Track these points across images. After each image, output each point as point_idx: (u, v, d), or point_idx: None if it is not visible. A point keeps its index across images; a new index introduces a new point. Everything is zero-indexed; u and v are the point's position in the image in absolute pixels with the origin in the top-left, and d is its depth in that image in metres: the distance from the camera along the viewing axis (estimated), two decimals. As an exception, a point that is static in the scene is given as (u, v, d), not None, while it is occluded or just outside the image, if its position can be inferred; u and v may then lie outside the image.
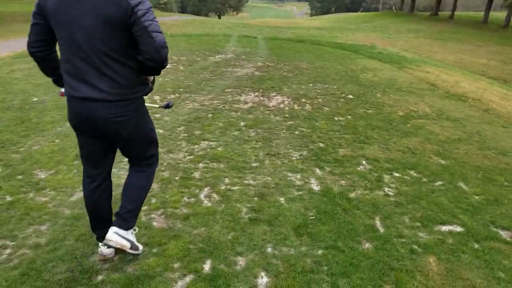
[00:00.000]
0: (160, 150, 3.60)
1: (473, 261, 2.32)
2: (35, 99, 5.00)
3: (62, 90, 1.98)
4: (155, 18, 1.77)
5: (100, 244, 2.14)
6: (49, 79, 2.04)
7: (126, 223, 2.07)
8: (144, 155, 2.14)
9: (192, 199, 2.84)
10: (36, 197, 2.72)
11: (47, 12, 1.73)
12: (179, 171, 3.26)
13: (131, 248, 2.08)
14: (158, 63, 1.79)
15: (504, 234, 2.64)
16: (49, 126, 4.07)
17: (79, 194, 2.76)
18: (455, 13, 41.12)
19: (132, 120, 1.93)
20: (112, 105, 1.83)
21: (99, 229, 2.14)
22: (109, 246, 2.07)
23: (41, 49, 1.86)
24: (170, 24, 23.66)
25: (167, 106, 2.63)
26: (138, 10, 1.71)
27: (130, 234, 2.10)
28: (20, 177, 2.99)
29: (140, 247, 2.22)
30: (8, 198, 2.69)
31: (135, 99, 1.92)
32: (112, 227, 2.04)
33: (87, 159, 2.07)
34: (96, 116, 1.84)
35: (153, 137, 2.15)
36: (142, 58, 1.78)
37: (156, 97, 5.38)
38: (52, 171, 3.11)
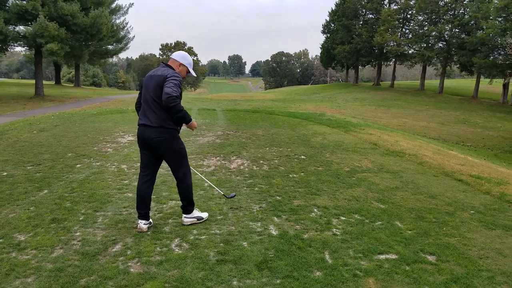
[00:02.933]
0: (131, 210, 3.97)
1: (404, 279, 2.80)
2: (5, 173, 5.21)
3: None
4: (173, 82, 3.28)
5: (139, 220, 3.50)
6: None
7: (186, 211, 3.64)
8: (177, 164, 3.59)
9: (164, 249, 3.16)
10: (19, 255, 2.94)
11: (142, 85, 3.53)
12: (151, 227, 3.59)
13: (198, 220, 3.68)
14: (164, 105, 3.24)
15: (430, 258, 3.16)
16: (23, 197, 4.30)
17: (58, 251, 3.02)
18: (395, 82, 45.77)
19: (167, 141, 3.44)
20: (154, 129, 3.40)
21: (141, 209, 3.50)
22: (183, 225, 3.61)
23: (138, 105, 3.64)
24: (129, 101, 24.47)
25: (232, 196, 4.23)
26: (167, 78, 3.32)
27: (195, 213, 3.69)
28: (1, 240, 3.20)
29: (204, 215, 3.76)
30: (-10, 259, 2.88)
31: (169, 128, 3.43)
32: (182, 215, 3.66)
33: (142, 163, 3.60)
34: (145, 136, 3.44)
35: (183, 153, 3.64)
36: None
37: (123, 166, 5.75)
38: (31, 234, 3.34)
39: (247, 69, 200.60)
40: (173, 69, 3.51)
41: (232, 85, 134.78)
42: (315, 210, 4.17)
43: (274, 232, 3.55)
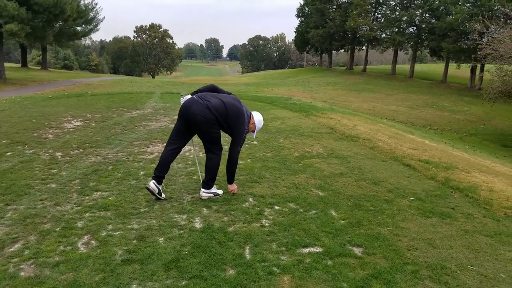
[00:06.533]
0: (47, 203, 3.63)
1: (322, 275, 2.61)
2: None
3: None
4: (242, 141, 3.93)
5: (152, 181, 3.74)
6: None
7: (207, 185, 3.89)
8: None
9: (68, 247, 2.86)
10: None
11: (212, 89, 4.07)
12: (62, 222, 3.27)
13: (214, 196, 3.91)
14: (231, 155, 3.93)
15: (357, 250, 3.00)
16: None
17: None
18: (368, 66, 46.07)
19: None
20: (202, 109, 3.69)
21: (158, 171, 3.79)
22: (201, 198, 3.87)
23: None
24: (96, 85, 23.57)
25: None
26: (240, 131, 3.85)
27: (213, 189, 3.94)
28: None
29: (219, 192, 3.99)
30: None
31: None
32: (201, 189, 3.91)
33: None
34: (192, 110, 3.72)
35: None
36: None
37: (58, 154, 5.35)
38: None
39: (225, 52, 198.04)
40: (249, 120, 3.89)
41: (209, 69, 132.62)
42: (250, 199, 3.95)
43: (197, 225, 3.30)
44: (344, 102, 24.37)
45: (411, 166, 5.49)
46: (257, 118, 4.03)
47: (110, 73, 66.74)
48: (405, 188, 4.51)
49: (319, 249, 2.97)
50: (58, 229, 3.15)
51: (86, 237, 3.04)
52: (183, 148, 4.14)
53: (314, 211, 3.70)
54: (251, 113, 3.99)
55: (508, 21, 21.80)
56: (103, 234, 3.07)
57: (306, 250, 2.96)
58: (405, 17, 36.46)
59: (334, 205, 3.87)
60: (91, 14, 31.67)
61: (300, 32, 48.73)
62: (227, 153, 3.95)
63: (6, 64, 41.90)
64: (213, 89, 3.99)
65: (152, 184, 3.74)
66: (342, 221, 3.51)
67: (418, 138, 9.66)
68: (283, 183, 4.48)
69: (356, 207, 3.86)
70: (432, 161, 5.86)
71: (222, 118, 3.70)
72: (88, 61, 76.68)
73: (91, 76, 38.84)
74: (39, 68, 41.33)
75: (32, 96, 13.26)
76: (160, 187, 3.79)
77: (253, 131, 4.04)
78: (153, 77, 71.97)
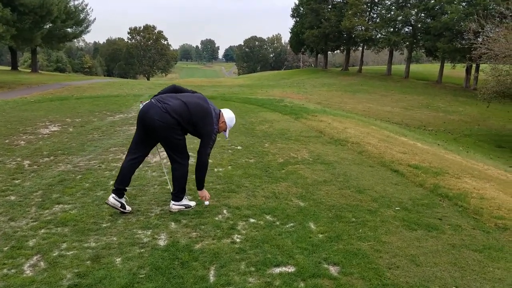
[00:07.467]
0: (1, 218, 3.34)
1: (291, 301, 2.34)
2: None
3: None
4: (212, 143, 3.55)
5: (112, 195, 3.43)
6: None
7: (177, 198, 3.59)
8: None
9: (13, 271, 2.58)
10: None
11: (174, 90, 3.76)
12: (12, 240, 2.99)
13: (186, 208, 3.62)
14: (200, 161, 3.56)
15: (333, 269, 2.73)
16: None
17: None
18: (364, 67, 45.93)
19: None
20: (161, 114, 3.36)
21: (118, 183, 3.46)
22: (171, 211, 3.59)
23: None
24: (86, 87, 23.21)
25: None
26: (209, 131, 3.53)
27: (184, 201, 3.64)
28: None
29: (192, 203, 3.71)
30: None
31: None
32: (171, 202, 3.62)
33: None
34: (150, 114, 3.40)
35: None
36: None
37: (26, 162, 5.06)
38: None
39: (221, 54, 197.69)
40: (218, 118, 3.57)
41: (204, 70, 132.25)
42: (224, 211, 3.67)
43: (162, 243, 3.02)
44: (338, 103, 24.14)
45: (399, 172, 5.22)
46: (227, 115, 3.67)
47: (104, 76, 66.26)
48: (391, 197, 4.24)
49: (291, 269, 2.70)
50: (6, 248, 2.86)
51: (35, 257, 2.75)
52: (148, 156, 3.85)
53: (291, 224, 3.43)
54: (220, 111, 3.66)
55: (503, 20, 21.68)
56: (54, 254, 2.79)
57: (277, 270, 2.69)
58: (400, 17, 36.31)
59: (314, 217, 3.60)
60: (82, 16, 31.30)
61: (295, 32, 48.52)
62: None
63: (-4, 67, 41.42)
64: (174, 89, 3.67)
65: (111, 199, 3.42)
66: (321, 235, 3.24)
67: (410, 140, 9.42)
68: (262, 192, 4.21)
69: (337, 218, 3.59)
70: (422, 166, 5.60)
71: (185, 121, 3.37)
72: (81, 64, 76.12)
73: (83, 78, 38.42)
74: (30, 71, 40.90)
75: (14, 100, 12.92)
76: (122, 200, 3.49)
77: (225, 130, 3.69)
78: (148, 79, 71.45)
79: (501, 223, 3.69)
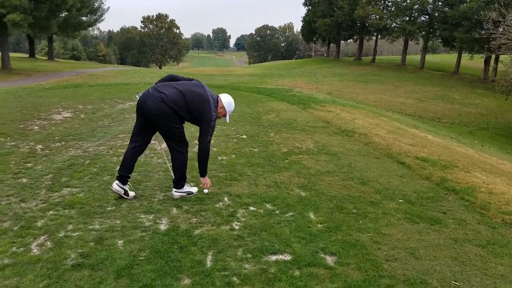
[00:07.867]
0: (12, 199, 3.48)
1: None
2: None
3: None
4: (212, 130, 3.53)
5: (115, 182, 3.53)
6: None
7: (178, 185, 3.68)
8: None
9: (21, 249, 2.70)
10: None
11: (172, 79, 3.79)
12: (22, 220, 3.11)
13: (188, 194, 3.72)
14: (201, 148, 3.59)
15: (329, 259, 2.77)
16: None
17: None
18: (378, 57, 45.12)
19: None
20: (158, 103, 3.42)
21: (121, 170, 3.54)
22: (174, 198, 3.68)
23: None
24: (99, 75, 23.50)
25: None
26: (207, 119, 3.51)
27: (185, 188, 3.73)
28: None
29: (193, 190, 3.79)
30: None
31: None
32: (173, 188, 3.71)
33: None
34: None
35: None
36: None
37: (39, 146, 5.20)
38: None
39: (232, 42, 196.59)
40: (216, 104, 3.56)
41: (216, 59, 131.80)
42: (225, 199, 3.74)
43: (162, 227, 3.11)
44: (350, 94, 23.90)
45: (405, 164, 5.20)
46: (226, 100, 3.65)
47: (118, 64, 66.75)
48: (395, 189, 4.24)
49: (288, 257, 2.76)
50: (16, 228, 2.99)
51: (42, 237, 2.87)
52: (154, 143, 3.93)
53: (291, 213, 3.48)
54: (218, 97, 3.64)
55: (526, 8, 20.97)
56: (60, 235, 2.90)
57: (273, 257, 2.75)
58: (416, 5, 35.44)
59: (314, 207, 3.64)
60: (96, 4, 31.53)
61: (307, 21, 47.88)
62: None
63: (15, 55, 42.22)
64: (171, 79, 3.69)
65: (115, 185, 3.52)
66: (320, 225, 3.28)
67: (421, 133, 9.32)
68: (264, 181, 4.25)
69: (337, 209, 3.62)
70: (430, 159, 5.56)
71: (181, 109, 3.39)
72: (96, 52, 76.77)
73: (97, 66, 38.81)
74: (46, 58, 41.47)
75: (31, 86, 13.19)
76: (126, 187, 3.58)
77: (225, 115, 3.68)
78: (160, 67, 71.75)
79: (508, 219, 3.64)
